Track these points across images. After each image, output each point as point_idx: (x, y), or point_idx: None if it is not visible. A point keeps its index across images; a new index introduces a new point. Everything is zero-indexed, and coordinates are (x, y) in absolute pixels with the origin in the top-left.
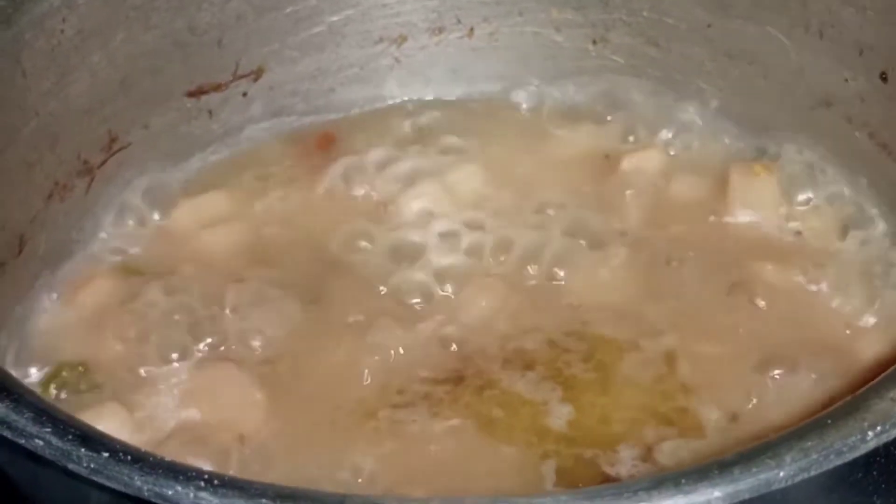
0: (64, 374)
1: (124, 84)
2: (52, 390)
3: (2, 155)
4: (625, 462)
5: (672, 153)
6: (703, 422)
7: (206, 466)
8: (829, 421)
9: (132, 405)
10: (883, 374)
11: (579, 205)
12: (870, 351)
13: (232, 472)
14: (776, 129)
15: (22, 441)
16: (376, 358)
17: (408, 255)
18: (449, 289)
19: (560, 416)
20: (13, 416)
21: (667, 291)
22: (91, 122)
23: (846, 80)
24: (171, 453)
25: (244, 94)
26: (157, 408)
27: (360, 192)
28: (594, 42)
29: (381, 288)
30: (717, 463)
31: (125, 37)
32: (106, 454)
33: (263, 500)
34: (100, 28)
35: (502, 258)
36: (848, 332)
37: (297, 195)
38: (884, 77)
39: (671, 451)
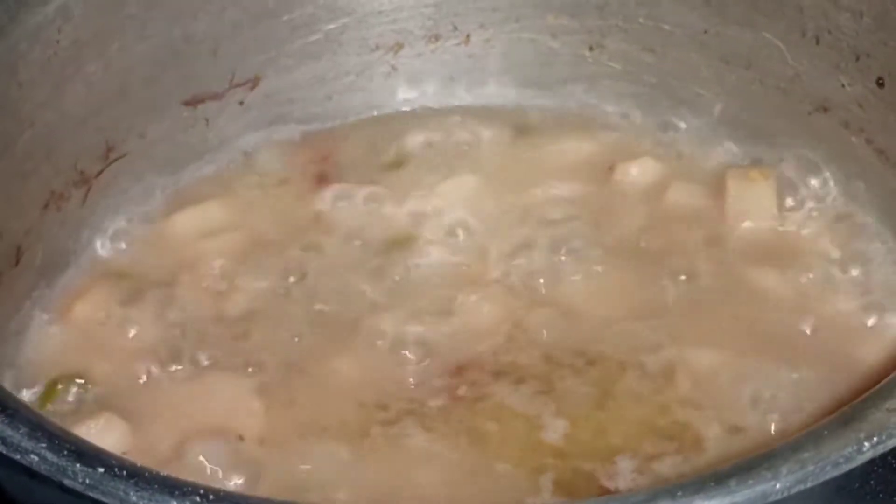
0: (60, 386)
1: (120, 93)
2: (49, 403)
3: None
4: (623, 475)
5: (668, 160)
6: (702, 435)
7: (205, 476)
8: (826, 432)
9: (130, 416)
10: (879, 385)
11: (575, 214)
12: (871, 356)
13: (230, 482)
14: (773, 135)
15: (17, 457)
16: (372, 369)
17: (402, 264)
18: (443, 300)
19: (556, 430)
20: (8, 432)
21: (665, 302)
22: (87, 132)
23: (843, 86)
24: (168, 464)
25: (241, 103)
26: (156, 418)
27: (357, 200)
28: (590, 48)
29: (377, 297)
30: (713, 475)
31: (121, 46)
32: (101, 469)
33: None
34: (95, 38)
35: (497, 269)
36: (849, 337)
37: (294, 204)
38: (881, 83)
39: (671, 465)
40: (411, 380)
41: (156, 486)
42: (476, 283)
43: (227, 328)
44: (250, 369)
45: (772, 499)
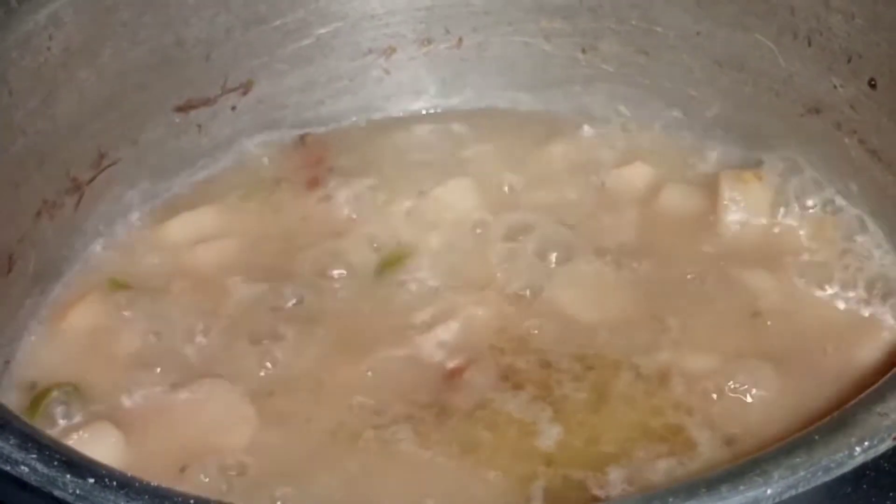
0: (54, 394)
1: (112, 100)
2: (42, 411)
3: None
4: (614, 484)
5: (661, 162)
6: (696, 439)
7: (199, 483)
8: (817, 437)
9: (124, 424)
10: (869, 389)
11: (569, 217)
12: (866, 356)
13: (224, 488)
14: (766, 137)
15: (7, 468)
16: (367, 376)
17: (398, 271)
18: (440, 306)
19: (550, 436)
20: None
21: (661, 305)
22: (79, 140)
23: (835, 87)
24: (163, 471)
25: (233, 108)
26: (149, 426)
27: (350, 205)
28: (583, 51)
29: (372, 302)
30: (704, 481)
31: (112, 53)
32: (91, 480)
33: None
34: (87, 45)
35: (493, 274)
36: (843, 338)
37: (288, 209)
38: (872, 84)
39: (663, 471)
40: (408, 387)
41: (146, 496)
42: (472, 289)
43: (221, 335)
44: (244, 376)
45: None
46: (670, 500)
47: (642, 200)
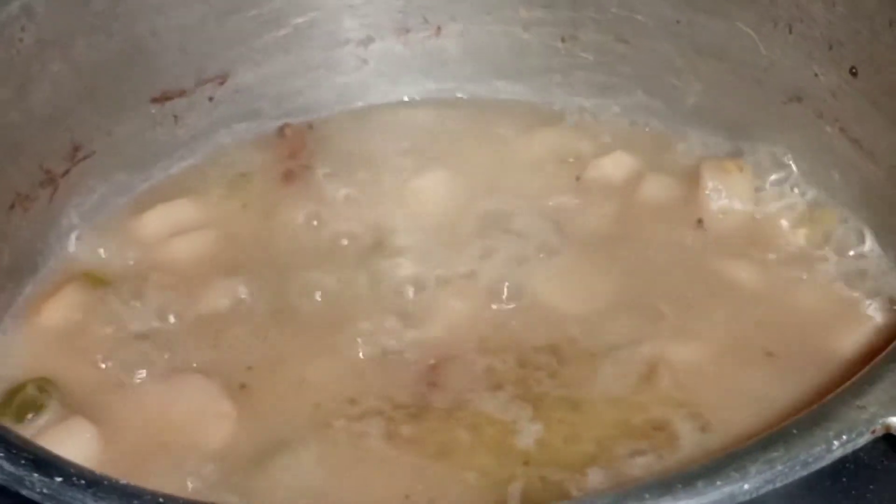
0: (29, 389)
1: (87, 92)
2: (16, 406)
3: None
4: (594, 486)
5: (642, 152)
6: (678, 433)
7: (174, 479)
8: (795, 430)
9: (99, 420)
10: (848, 382)
11: (549, 208)
12: (848, 346)
13: (203, 485)
14: (748, 126)
15: None
16: (345, 372)
17: (374, 263)
18: (419, 300)
19: (529, 435)
20: None
21: (642, 297)
22: (53, 132)
23: (816, 75)
24: (138, 468)
25: (210, 99)
26: (125, 422)
27: (327, 197)
28: (563, 40)
29: (349, 296)
30: (680, 476)
31: (86, 44)
32: (59, 479)
33: None
34: (60, 36)
35: (471, 266)
36: (825, 328)
37: (267, 201)
38: (853, 72)
39: (644, 468)
40: (384, 383)
41: (115, 494)
42: (451, 282)
43: (198, 329)
44: (222, 370)
45: (740, 499)
46: (646, 496)
47: (623, 191)
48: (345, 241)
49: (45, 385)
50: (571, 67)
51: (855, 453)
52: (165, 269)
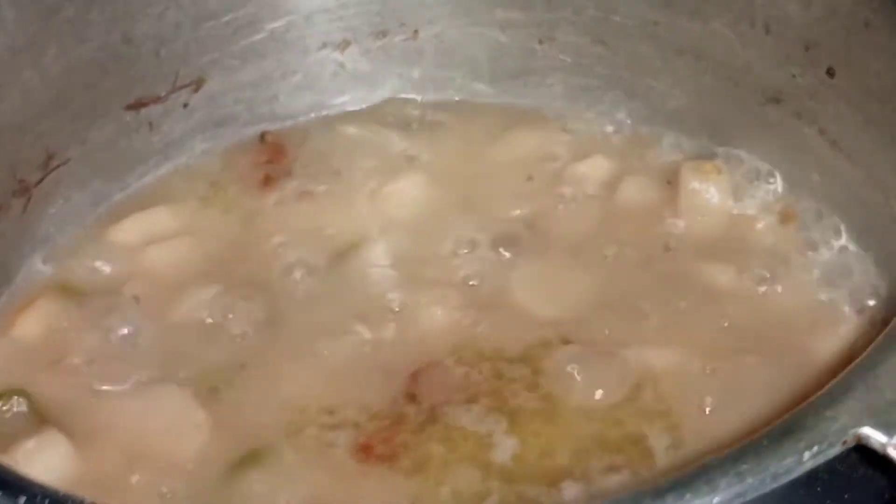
0: (2, 402)
1: (60, 99)
2: None
3: None
4: (569, 500)
5: (620, 154)
6: (653, 447)
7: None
8: (765, 442)
9: (74, 433)
10: (819, 392)
11: (526, 212)
12: (826, 350)
13: (175, 497)
14: (726, 127)
15: None
16: (321, 381)
17: (354, 269)
18: (396, 306)
19: (505, 449)
20: None
21: (618, 302)
22: (26, 140)
23: (794, 76)
24: (113, 481)
25: (185, 105)
26: (100, 434)
27: (304, 202)
28: (540, 42)
29: (328, 303)
30: (650, 491)
31: (58, 51)
32: (24, 498)
33: None
34: (31, 43)
35: (446, 271)
36: (804, 331)
37: (242, 207)
38: (830, 73)
39: (619, 484)
40: (360, 393)
41: None
42: (429, 287)
43: (174, 338)
44: (198, 380)
45: None
46: None
47: (601, 194)
48: (322, 247)
49: (19, 398)
50: (549, 69)
51: (829, 462)
52: (142, 278)
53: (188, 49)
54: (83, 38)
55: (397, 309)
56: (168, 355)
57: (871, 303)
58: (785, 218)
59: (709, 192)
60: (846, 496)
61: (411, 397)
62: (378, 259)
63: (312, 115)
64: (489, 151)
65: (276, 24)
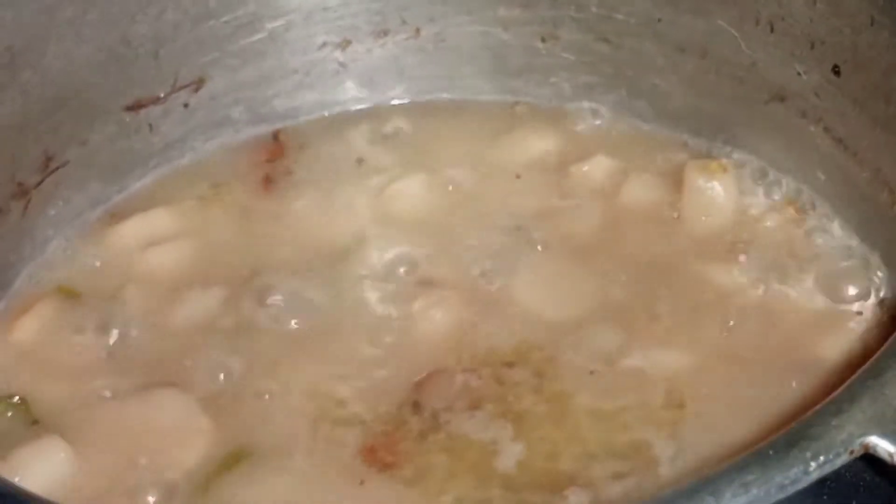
0: (1, 407)
1: (59, 101)
2: None
3: None
4: None
5: (624, 153)
6: (658, 454)
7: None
8: (771, 452)
9: (73, 438)
10: (826, 399)
11: (530, 212)
12: (833, 352)
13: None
14: (731, 125)
15: None
16: (325, 386)
17: (353, 270)
18: (399, 310)
19: (511, 455)
20: None
21: (623, 303)
22: (25, 142)
23: (799, 74)
24: (112, 488)
25: (185, 106)
26: (100, 439)
27: (306, 203)
28: (543, 40)
29: (329, 306)
30: (654, 501)
31: (57, 52)
32: None
33: None
34: (29, 45)
35: (451, 272)
36: (810, 333)
37: (243, 209)
38: (836, 71)
39: (624, 491)
40: (364, 397)
41: None
42: (430, 288)
43: (174, 340)
44: (199, 384)
45: None
46: None
47: (605, 193)
48: (324, 248)
49: (17, 403)
50: (552, 67)
51: (836, 472)
52: (142, 280)
53: (187, 49)
54: (82, 40)
55: (398, 310)
56: (169, 358)
57: (878, 301)
58: (790, 217)
59: (714, 190)
60: (854, 503)
61: (417, 402)
62: (380, 260)
63: (313, 114)
64: (492, 150)
65: (276, 24)
